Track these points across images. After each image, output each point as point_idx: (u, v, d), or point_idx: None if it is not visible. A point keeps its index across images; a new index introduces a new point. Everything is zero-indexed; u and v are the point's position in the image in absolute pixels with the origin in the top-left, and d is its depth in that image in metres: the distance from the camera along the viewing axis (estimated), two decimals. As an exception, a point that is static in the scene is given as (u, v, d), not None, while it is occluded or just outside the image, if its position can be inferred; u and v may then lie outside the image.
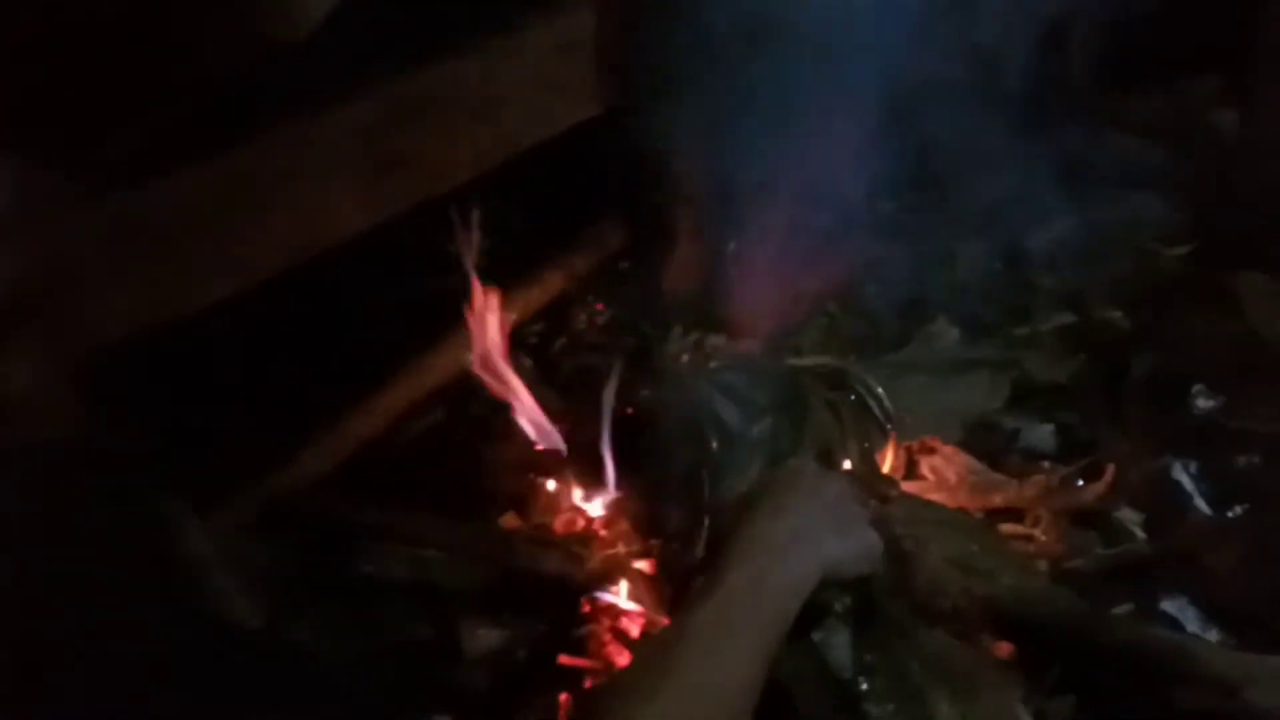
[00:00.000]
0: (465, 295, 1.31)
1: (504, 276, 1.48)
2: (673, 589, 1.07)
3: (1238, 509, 1.26)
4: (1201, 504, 1.27)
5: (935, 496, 1.18)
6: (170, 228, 1.03)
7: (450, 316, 1.39)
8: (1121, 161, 1.79)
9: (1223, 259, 1.69)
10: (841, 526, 0.88)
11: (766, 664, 0.77)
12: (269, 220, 1.10)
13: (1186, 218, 1.78)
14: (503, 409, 1.25)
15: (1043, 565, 1.13)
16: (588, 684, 1.07)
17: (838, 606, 0.98)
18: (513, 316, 1.45)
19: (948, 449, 1.27)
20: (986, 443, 1.32)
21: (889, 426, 1.19)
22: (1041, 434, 1.35)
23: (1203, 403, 1.44)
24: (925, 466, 1.24)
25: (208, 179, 1.04)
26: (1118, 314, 1.61)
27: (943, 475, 1.23)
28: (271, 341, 1.23)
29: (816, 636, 0.95)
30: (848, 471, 1.12)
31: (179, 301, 1.05)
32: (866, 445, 1.15)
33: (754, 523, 0.86)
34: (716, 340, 1.51)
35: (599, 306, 1.57)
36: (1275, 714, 0.95)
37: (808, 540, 0.85)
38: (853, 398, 1.18)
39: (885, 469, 1.20)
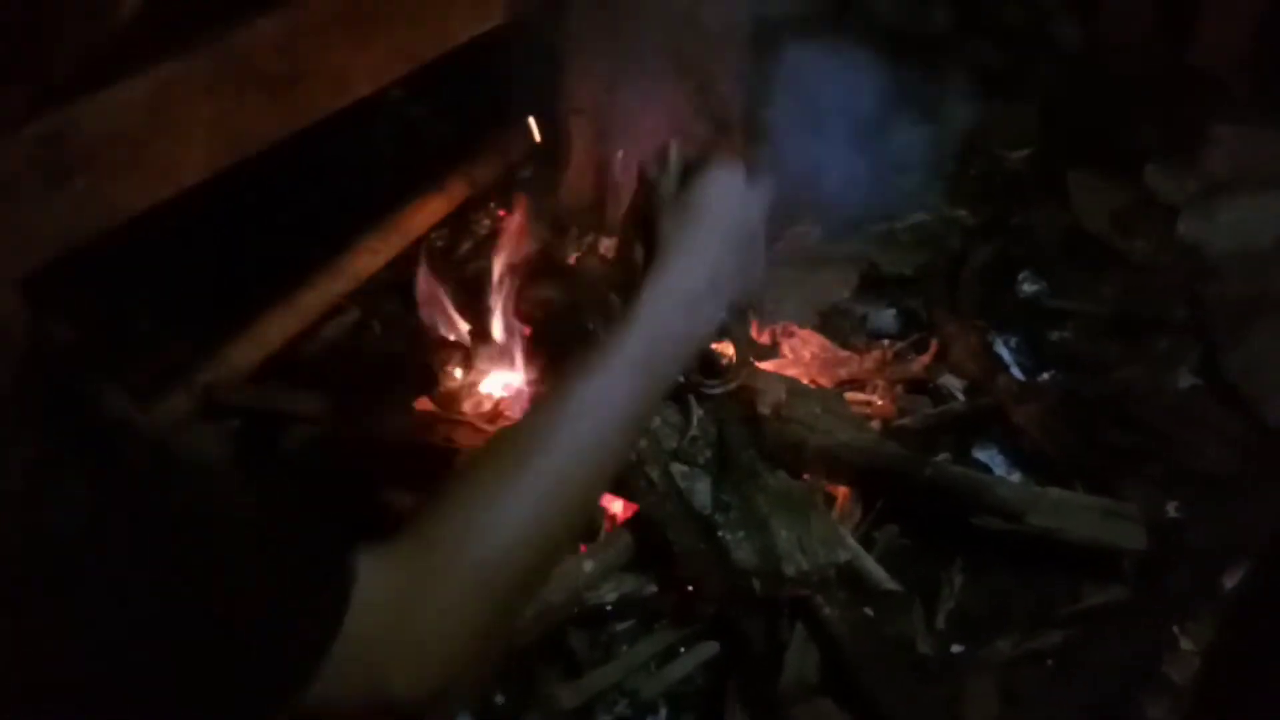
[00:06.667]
0: (375, 203, 1.45)
1: (411, 185, 1.62)
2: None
3: (1045, 375, 1.50)
4: (1016, 372, 1.50)
5: (791, 371, 1.38)
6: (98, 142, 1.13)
7: (360, 223, 1.52)
8: (976, 72, 1.98)
9: (1058, 160, 1.92)
10: (747, 263, 0.80)
11: (640, 428, 0.78)
12: (190, 133, 1.20)
13: (1031, 124, 2.00)
14: (414, 307, 1.40)
15: (876, 424, 1.35)
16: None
17: (700, 460, 1.18)
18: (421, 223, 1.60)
19: (804, 331, 1.47)
20: (840, 325, 1.53)
21: (752, 314, 1.38)
22: (886, 317, 1.57)
23: (1028, 286, 1.67)
24: (785, 347, 1.44)
25: (132, 95, 1.13)
26: (963, 212, 1.82)
27: (799, 353, 1.43)
28: (200, 249, 1.35)
29: (683, 485, 1.16)
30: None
31: (110, 211, 1.15)
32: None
33: (668, 270, 0.75)
34: (609, 242, 1.66)
35: (501, 213, 1.71)
36: (1050, 533, 1.20)
37: (719, 291, 0.76)
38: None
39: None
